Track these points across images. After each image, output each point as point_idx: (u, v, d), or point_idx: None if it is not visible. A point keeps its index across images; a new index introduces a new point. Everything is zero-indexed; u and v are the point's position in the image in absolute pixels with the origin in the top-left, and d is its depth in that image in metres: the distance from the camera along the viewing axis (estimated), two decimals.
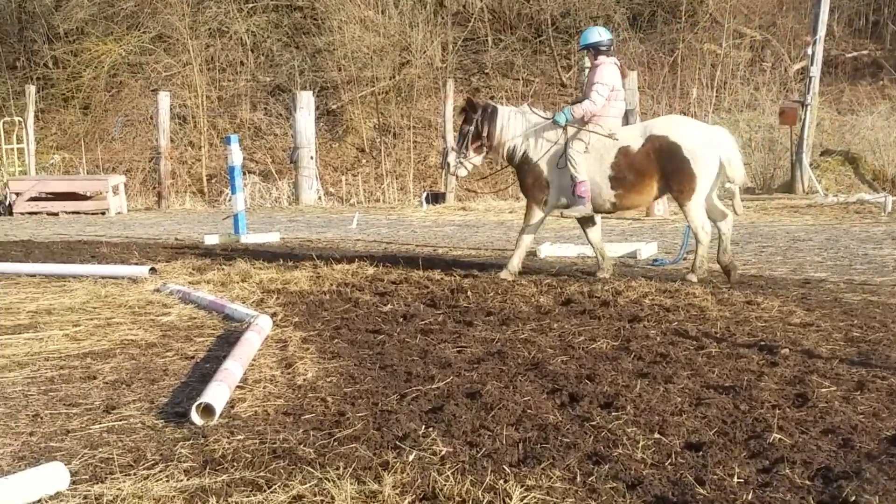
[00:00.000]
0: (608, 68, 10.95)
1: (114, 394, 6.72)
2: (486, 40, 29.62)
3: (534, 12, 30.10)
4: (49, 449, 5.56)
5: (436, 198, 22.25)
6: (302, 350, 7.87)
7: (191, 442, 5.56)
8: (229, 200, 18.65)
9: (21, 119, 26.39)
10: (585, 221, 11.26)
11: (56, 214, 22.24)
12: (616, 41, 27.76)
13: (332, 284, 10.74)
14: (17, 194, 22.54)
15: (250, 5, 30.48)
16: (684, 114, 26.37)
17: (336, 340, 8.19)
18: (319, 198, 23.89)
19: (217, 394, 6.10)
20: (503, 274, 10.96)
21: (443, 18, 29.60)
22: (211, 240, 15.94)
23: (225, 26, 29.80)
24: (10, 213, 22.26)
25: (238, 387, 6.66)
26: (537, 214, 11.14)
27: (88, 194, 23.16)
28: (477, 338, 8.08)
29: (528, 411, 5.93)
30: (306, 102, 23.81)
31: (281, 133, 27.98)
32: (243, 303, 9.88)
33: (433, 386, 6.58)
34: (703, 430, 5.52)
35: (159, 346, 8.18)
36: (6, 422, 6.11)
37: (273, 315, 9.12)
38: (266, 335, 8.29)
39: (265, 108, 29.00)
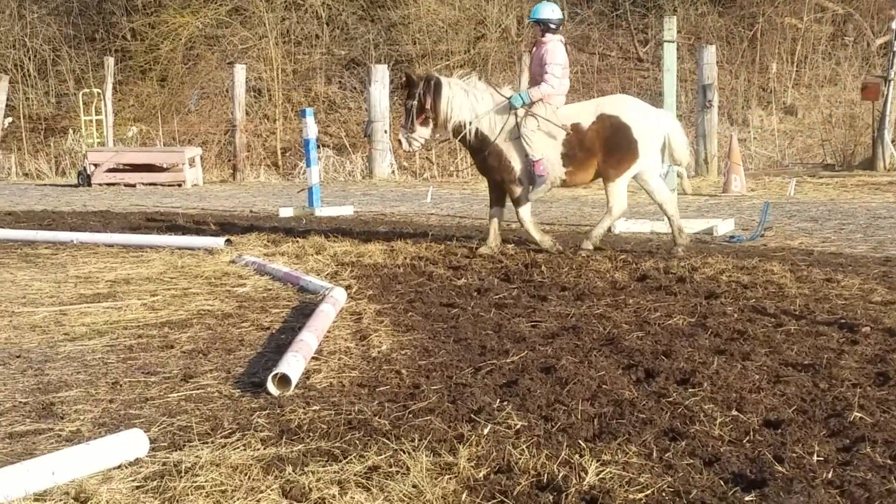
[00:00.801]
0: (558, 46, 10.99)
1: (191, 363, 6.79)
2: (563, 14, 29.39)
3: None
4: (128, 416, 5.62)
5: None
6: (376, 322, 7.89)
7: (267, 412, 5.59)
8: (304, 173, 18.72)
9: (100, 91, 26.68)
10: (498, 198, 11.27)
11: (133, 186, 22.49)
12: (694, 15, 27.56)
13: (405, 258, 10.75)
14: (96, 165, 22.81)
15: None
16: (763, 89, 26.08)
17: (410, 313, 8.20)
18: (393, 172, 23.91)
19: (293, 364, 6.13)
20: (542, 244, 11.06)
21: None
22: (286, 212, 16.03)
23: (302, 0, 29.87)
24: (89, 184, 22.54)
25: (313, 358, 6.69)
26: (518, 189, 11.10)
27: (165, 166, 23.38)
28: (551, 312, 8.05)
29: (604, 386, 5.89)
30: (381, 76, 23.82)
31: (355, 107, 28.03)
32: (318, 275, 9.92)
33: (508, 360, 6.56)
34: (782, 407, 5.45)
35: (235, 317, 8.25)
36: (87, 389, 6.20)
37: (347, 287, 9.15)
38: (341, 307, 8.32)
39: (340, 82, 29.06)
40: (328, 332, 7.47)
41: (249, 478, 4.55)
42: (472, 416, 5.41)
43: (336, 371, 6.49)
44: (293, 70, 29.25)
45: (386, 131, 23.67)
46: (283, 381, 5.99)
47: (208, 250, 11.70)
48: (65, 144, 27.64)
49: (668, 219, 11.10)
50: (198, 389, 6.12)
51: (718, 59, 22.30)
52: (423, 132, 11.20)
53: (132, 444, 4.90)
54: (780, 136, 24.86)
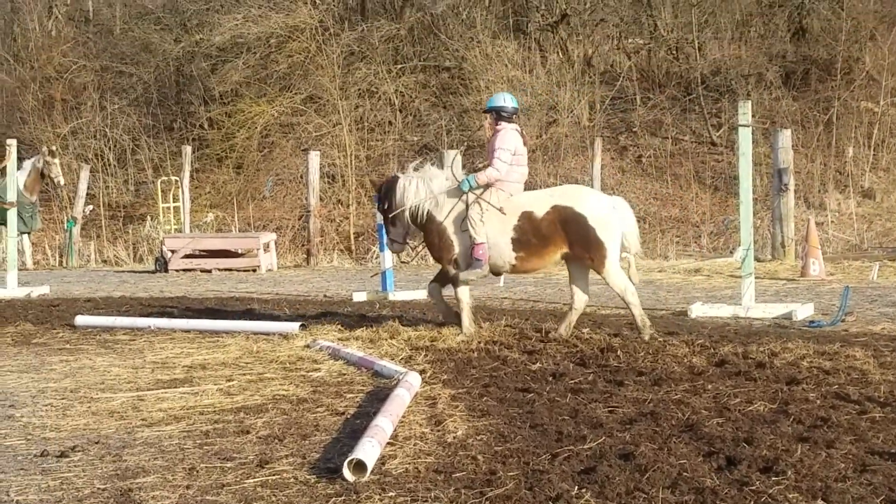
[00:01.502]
0: (509, 134, 11.14)
1: (267, 448, 6.77)
2: (635, 99, 29.47)
3: (683, 70, 29.88)
4: (205, 502, 5.61)
5: None
6: (451, 407, 7.84)
7: (343, 498, 5.55)
8: (377, 258, 18.80)
9: (177, 178, 27.13)
10: (444, 276, 11.46)
11: (209, 271, 22.72)
12: (769, 99, 27.45)
13: (479, 342, 10.70)
14: (173, 251, 23.09)
15: (399, 66, 30.90)
16: (839, 173, 25.86)
17: (485, 398, 8.14)
18: None
19: (368, 450, 6.09)
20: (460, 337, 10.99)
21: (590, 77, 29.59)
22: (359, 297, 16.08)
23: (374, 87, 30.25)
24: (166, 270, 22.81)
25: (388, 443, 6.65)
26: (453, 270, 11.26)
27: (240, 251, 23.61)
28: (628, 398, 7.94)
29: (684, 474, 5.78)
30: (453, 161, 23.94)
31: None
32: (392, 359, 9.91)
33: (585, 446, 6.47)
34: (870, 497, 5.30)
35: (310, 402, 8.25)
36: (164, 475, 6.20)
37: (422, 372, 9.11)
38: (415, 392, 8.28)
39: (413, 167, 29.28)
40: (403, 417, 7.43)
41: None
42: (550, 503, 5.32)
43: (411, 457, 6.43)
44: (366, 156, 29.56)
45: None
46: (359, 466, 5.95)
47: (283, 335, 11.75)
48: (143, 231, 28.05)
49: (629, 307, 10.93)
50: (273, 475, 6.10)
51: (794, 142, 22.19)
52: (396, 232, 11.60)
53: None
54: (858, 219, 24.59)
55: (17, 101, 34.56)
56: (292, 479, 6.02)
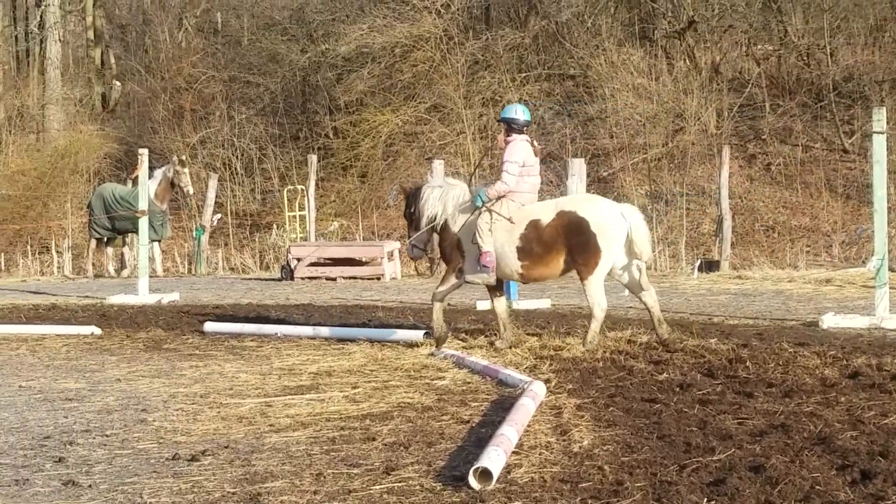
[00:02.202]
0: (519, 146, 11.35)
1: (392, 455, 6.80)
2: (764, 106, 29.00)
3: (814, 77, 29.31)
4: None
5: (710, 266, 21.76)
6: (576, 417, 7.78)
7: None
8: None
9: (303, 187, 27.44)
10: (493, 290, 11.68)
11: (334, 279, 22.93)
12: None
13: (604, 351, 10.60)
14: (299, 260, 23.35)
15: (523, 75, 30.87)
16: None
17: (611, 408, 8.06)
18: None
19: (494, 458, 6.08)
20: (436, 329, 11.44)
21: (718, 84, 29.19)
22: (483, 305, 16.05)
23: (498, 95, 30.24)
24: (292, 278, 23.06)
25: (514, 452, 6.62)
26: (451, 280, 11.63)
27: (364, 260, 23.78)
28: (758, 409, 7.79)
29: (817, 487, 5.65)
30: (578, 170, 23.77)
31: None
32: (516, 368, 9.88)
33: (714, 458, 6.36)
34: None
35: (435, 410, 8.27)
36: (292, 480, 6.27)
37: (546, 381, 9.07)
38: (540, 401, 8.24)
39: None
40: (528, 426, 7.40)
41: None
42: None
43: (537, 466, 6.40)
44: (489, 164, 29.57)
45: None
46: (485, 475, 5.94)
47: (407, 343, 11.80)
48: (269, 239, 28.45)
49: (591, 320, 11.03)
50: (399, 482, 6.12)
51: None
52: (418, 238, 11.98)
53: None
54: None
55: (149, 112, 35.43)
56: (418, 487, 6.03)
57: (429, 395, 8.92)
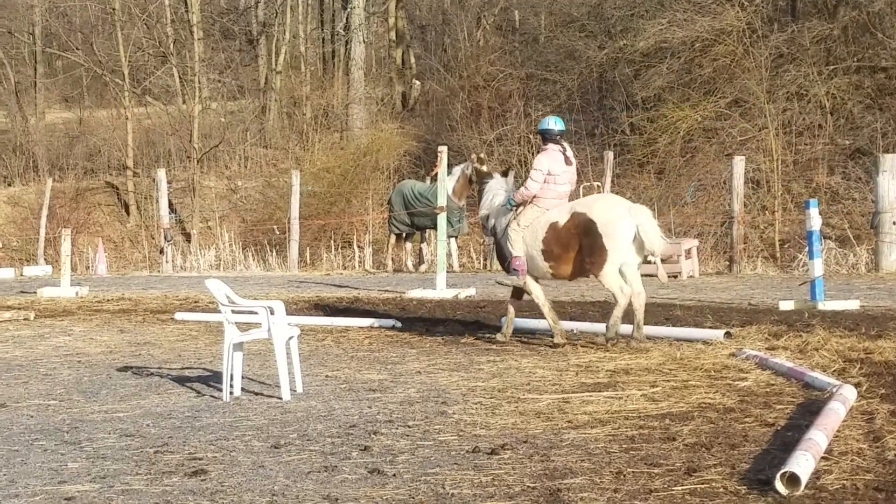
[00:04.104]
0: (546, 156, 12.17)
1: (694, 456, 6.64)
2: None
3: None
4: None
5: None
6: (891, 423, 7.39)
7: None
8: (804, 266, 18.13)
9: (599, 184, 27.34)
10: (518, 291, 12.49)
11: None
12: None
13: None
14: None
15: (831, 67, 29.70)
16: None
17: None
18: None
19: (803, 463, 5.84)
20: (498, 336, 12.53)
21: None
22: (786, 305, 15.53)
23: (804, 90, 29.24)
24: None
25: (823, 458, 6.33)
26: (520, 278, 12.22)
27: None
28: None
29: None
30: (889, 165, 22.71)
31: (860, 197, 26.93)
32: (823, 371, 9.47)
33: None
34: None
35: (737, 412, 8.04)
36: (591, 477, 6.23)
37: (857, 385, 8.64)
38: (850, 406, 7.86)
39: (843, 172, 28.07)
40: (838, 431, 7.06)
41: None
42: None
43: (848, 473, 6.10)
44: (793, 161, 28.64)
45: (894, 223, 22.47)
46: (793, 480, 5.71)
47: (706, 342, 11.54)
48: None
49: (615, 306, 11.68)
50: (702, 484, 5.96)
51: None
52: (486, 230, 13.45)
53: None
54: None
55: (447, 110, 36.15)
56: (721, 489, 5.86)
57: (730, 396, 8.67)
